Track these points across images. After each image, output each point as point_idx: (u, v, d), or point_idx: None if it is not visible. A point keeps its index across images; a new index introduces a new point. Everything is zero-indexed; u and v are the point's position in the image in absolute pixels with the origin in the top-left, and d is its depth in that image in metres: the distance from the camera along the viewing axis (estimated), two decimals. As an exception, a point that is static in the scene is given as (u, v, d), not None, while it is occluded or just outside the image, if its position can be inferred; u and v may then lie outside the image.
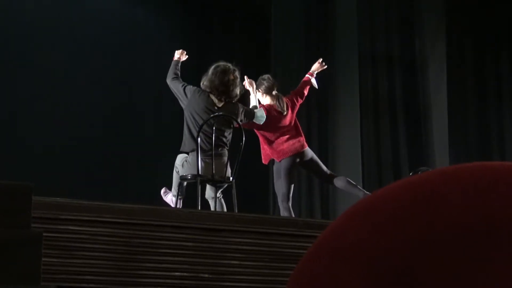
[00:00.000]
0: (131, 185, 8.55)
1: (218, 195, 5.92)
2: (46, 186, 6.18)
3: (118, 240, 3.78)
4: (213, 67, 5.94)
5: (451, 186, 0.79)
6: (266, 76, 6.67)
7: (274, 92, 6.52)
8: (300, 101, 6.75)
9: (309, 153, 6.64)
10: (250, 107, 6.34)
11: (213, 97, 5.87)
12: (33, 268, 2.92)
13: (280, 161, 6.50)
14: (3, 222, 3.02)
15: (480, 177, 0.79)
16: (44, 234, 3.15)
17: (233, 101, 5.94)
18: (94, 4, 8.88)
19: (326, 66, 6.92)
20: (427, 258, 0.78)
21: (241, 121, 5.94)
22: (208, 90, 5.88)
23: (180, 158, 5.96)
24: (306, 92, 6.83)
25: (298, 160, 6.54)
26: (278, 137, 6.49)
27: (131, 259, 3.79)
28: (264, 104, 6.50)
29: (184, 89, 5.92)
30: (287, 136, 6.51)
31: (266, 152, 6.58)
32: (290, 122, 6.58)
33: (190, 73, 6.54)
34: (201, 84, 5.95)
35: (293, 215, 6.60)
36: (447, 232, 0.78)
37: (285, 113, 6.50)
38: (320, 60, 6.92)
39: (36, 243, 2.98)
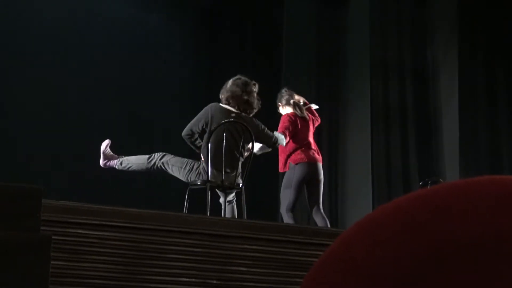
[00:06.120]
0: (140, 190, 8.56)
1: (230, 198, 5.91)
2: (55, 189, 6.21)
3: (126, 244, 3.78)
4: (232, 79, 5.82)
5: (460, 199, 0.79)
6: (283, 90, 6.81)
7: (291, 101, 6.61)
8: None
9: (321, 172, 6.63)
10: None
11: (227, 107, 5.75)
12: (42, 271, 2.93)
13: (294, 166, 6.49)
14: (13, 225, 3.02)
15: (490, 191, 0.79)
16: (53, 237, 3.15)
17: (251, 114, 5.85)
18: (107, 11, 8.92)
19: None
20: (435, 272, 0.78)
21: (257, 137, 5.80)
22: (228, 100, 5.74)
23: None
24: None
25: (311, 172, 6.52)
26: (300, 146, 6.52)
27: (139, 264, 3.80)
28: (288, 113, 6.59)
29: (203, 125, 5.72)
30: (307, 145, 6.55)
31: (283, 160, 6.59)
32: (311, 134, 6.65)
33: (202, 81, 6.53)
34: (220, 96, 5.81)
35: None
36: (455, 245, 0.78)
37: (307, 118, 6.59)
38: None
39: (45, 246, 2.98)
